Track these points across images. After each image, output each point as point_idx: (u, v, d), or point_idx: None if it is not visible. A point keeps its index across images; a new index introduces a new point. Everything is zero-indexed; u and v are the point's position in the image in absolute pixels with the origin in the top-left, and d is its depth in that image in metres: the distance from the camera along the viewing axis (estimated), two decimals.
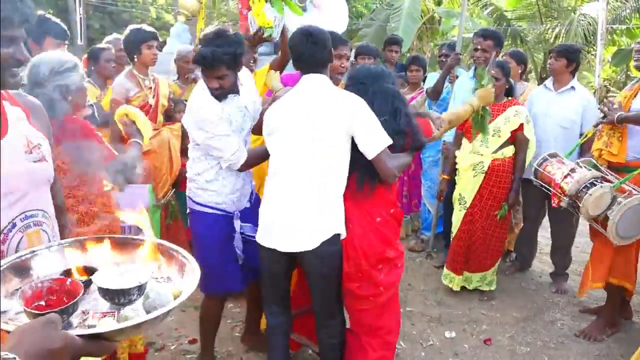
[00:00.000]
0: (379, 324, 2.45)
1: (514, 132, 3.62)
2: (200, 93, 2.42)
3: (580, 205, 3.02)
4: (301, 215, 2.25)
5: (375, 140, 2.21)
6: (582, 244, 4.64)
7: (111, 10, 23.73)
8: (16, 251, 1.27)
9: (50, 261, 1.10)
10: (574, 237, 4.07)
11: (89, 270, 1.05)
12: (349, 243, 2.33)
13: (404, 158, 2.37)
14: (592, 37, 10.76)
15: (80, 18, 12.84)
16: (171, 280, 1.09)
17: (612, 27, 10.66)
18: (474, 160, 3.68)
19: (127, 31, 3.46)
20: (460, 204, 3.77)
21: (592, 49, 11.41)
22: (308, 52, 2.26)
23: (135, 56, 3.37)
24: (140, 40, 3.36)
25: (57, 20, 3.17)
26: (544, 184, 3.36)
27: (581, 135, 3.70)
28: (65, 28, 3.15)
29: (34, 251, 1.09)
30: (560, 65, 3.90)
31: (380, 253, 2.34)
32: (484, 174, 3.64)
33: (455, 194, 3.83)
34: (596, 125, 3.30)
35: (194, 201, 2.54)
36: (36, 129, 1.44)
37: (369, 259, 2.32)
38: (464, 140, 3.83)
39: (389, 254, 2.36)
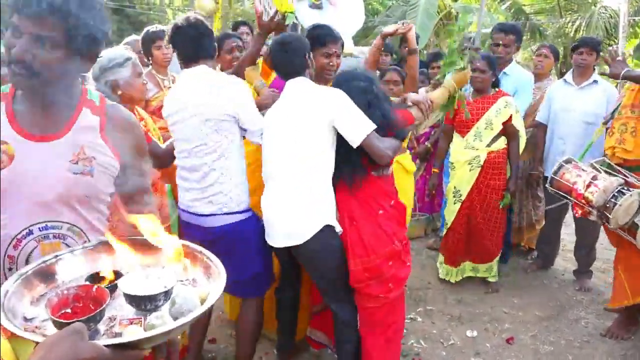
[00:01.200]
0: (387, 321, 2.47)
1: (504, 124, 3.60)
2: (216, 74, 2.44)
3: (610, 216, 2.84)
4: (291, 213, 2.32)
5: (358, 127, 2.25)
6: (606, 241, 4.52)
7: (128, 12, 23.99)
8: (27, 261, 1.25)
9: (74, 265, 1.09)
10: (599, 234, 3.98)
11: (116, 274, 1.04)
12: (357, 240, 2.35)
13: (393, 141, 2.36)
14: (613, 30, 10.56)
15: None
16: (197, 282, 1.07)
17: (634, 20, 10.43)
18: (470, 156, 3.66)
19: (145, 30, 3.51)
20: (454, 197, 3.75)
21: (613, 42, 11.19)
22: (283, 60, 2.37)
23: (149, 57, 3.42)
24: (149, 41, 3.40)
25: None
26: (562, 193, 3.12)
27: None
28: None
29: (57, 255, 1.09)
30: (592, 60, 3.81)
31: (388, 245, 2.37)
32: (480, 168, 3.63)
33: (450, 187, 3.80)
34: (605, 122, 3.18)
35: (232, 213, 2.39)
36: (105, 142, 1.36)
37: (378, 253, 2.34)
38: (456, 135, 3.80)
39: (396, 246, 2.39)
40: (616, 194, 2.84)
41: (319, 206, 2.33)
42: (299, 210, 2.31)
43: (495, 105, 3.62)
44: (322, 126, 2.27)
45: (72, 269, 1.08)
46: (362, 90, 2.36)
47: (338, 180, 2.38)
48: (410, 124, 2.56)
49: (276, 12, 2.63)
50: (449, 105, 2.95)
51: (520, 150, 3.73)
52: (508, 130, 3.64)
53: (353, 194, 2.38)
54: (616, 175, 2.93)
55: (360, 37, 10.25)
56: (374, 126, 2.26)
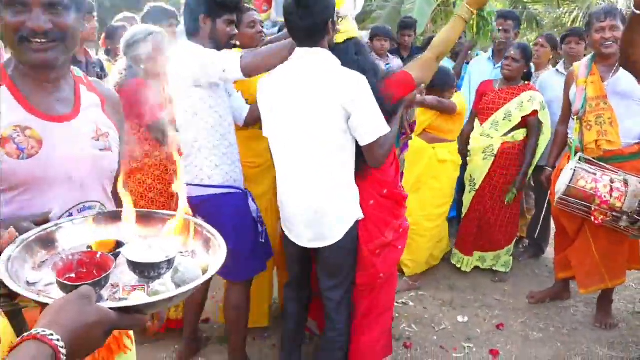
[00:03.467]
0: (373, 304, 2.41)
1: (525, 118, 3.58)
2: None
3: None
4: (318, 211, 2.14)
5: (372, 127, 2.04)
6: None
7: None
8: None
9: (75, 234, 1.09)
10: None
11: (117, 244, 1.05)
12: None
13: (389, 137, 2.12)
14: None
15: None
16: (196, 255, 1.09)
17: (629, 11, 10.44)
18: (484, 144, 3.68)
19: (146, 9, 3.45)
20: (470, 185, 3.79)
21: None
22: (296, 21, 2.01)
23: None
24: (161, 16, 3.34)
25: None
26: (580, 201, 2.90)
27: None
28: (89, 0, 3.13)
29: (58, 224, 1.09)
30: (582, 49, 3.85)
31: (378, 237, 2.27)
32: (493, 157, 3.65)
33: (466, 175, 3.83)
34: (577, 114, 3.03)
35: (211, 186, 2.33)
36: (107, 117, 1.38)
37: (368, 244, 2.26)
38: (477, 123, 3.81)
39: (387, 237, 2.28)
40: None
41: (347, 201, 2.17)
42: (329, 209, 2.14)
43: (519, 98, 3.61)
44: (339, 115, 2.02)
45: (73, 238, 1.09)
46: (352, 65, 2.12)
47: None
48: (410, 90, 2.26)
49: None
50: (484, 30, 2.50)
51: (542, 149, 3.68)
52: (530, 123, 3.61)
53: None
54: (616, 172, 2.88)
55: (358, 22, 10.15)
56: (387, 130, 2.07)
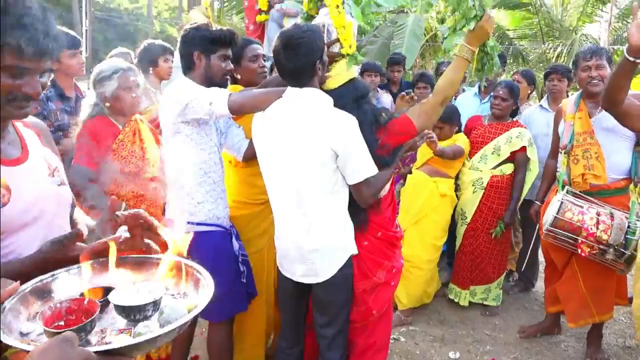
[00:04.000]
0: (369, 342, 2.37)
1: (513, 153, 3.65)
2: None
3: (628, 253, 2.78)
4: (310, 248, 2.12)
5: (358, 168, 2.04)
6: None
7: (116, 22, 23.95)
8: None
9: (70, 283, 1.09)
10: None
11: (107, 290, 1.05)
12: None
13: (380, 179, 2.12)
14: None
15: (86, 30, 12.92)
16: (187, 296, 1.09)
17: (613, 48, 10.73)
18: (474, 177, 3.73)
19: (144, 45, 3.57)
20: (461, 219, 3.82)
21: None
22: (284, 62, 2.03)
23: (151, 68, 3.45)
24: (158, 53, 3.48)
25: (65, 30, 3.18)
26: (568, 233, 2.92)
27: None
28: (75, 35, 3.17)
29: (54, 274, 1.09)
30: (564, 86, 3.95)
31: (369, 278, 2.25)
32: (483, 190, 3.69)
33: (458, 210, 3.85)
34: (564, 148, 3.11)
35: (192, 223, 2.28)
36: (50, 151, 1.38)
37: (359, 283, 2.24)
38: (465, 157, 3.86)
39: (379, 277, 2.26)
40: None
41: (340, 238, 2.15)
42: (321, 246, 2.11)
43: (508, 134, 3.69)
44: (328, 155, 2.02)
45: (68, 287, 1.09)
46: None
47: None
48: (411, 137, 2.22)
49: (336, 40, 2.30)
50: (487, 65, 2.35)
51: (529, 185, 3.75)
52: (517, 158, 3.70)
53: None
54: (602, 206, 2.92)
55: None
56: (374, 172, 2.06)
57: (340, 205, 2.15)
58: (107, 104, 2.57)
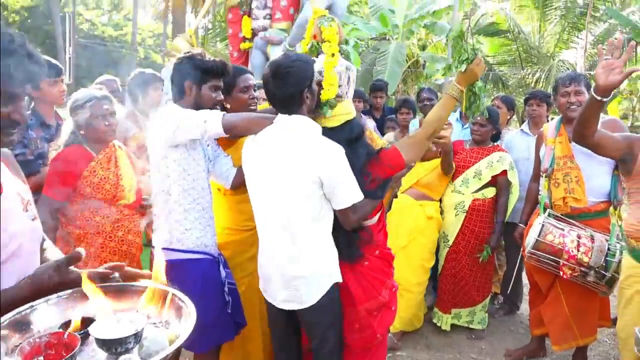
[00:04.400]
0: None
1: (495, 177, 3.71)
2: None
3: (608, 274, 2.82)
4: (294, 275, 2.11)
5: (345, 195, 2.06)
6: None
7: (99, 50, 23.99)
8: None
9: (49, 314, 1.07)
10: None
11: (88, 321, 1.03)
12: (345, 290, 2.23)
13: (367, 205, 2.15)
14: None
15: (70, 58, 12.91)
16: (169, 324, 1.08)
17: (590, 74, 11.03)
18: (456, 200, 3.76)
19: (134, 73, 3.64)
20: (443, 242, 3.83)
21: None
22: (273, 90, 2.07)
23: (140, 96, 3.49)
24: (147, 81, 3.53)
25: (47, 58, 3.18)
26: (549, 255, 2.96)
27: None
28: (57, 63, 3.16)
29: (32, 306, 1.07)
30: (543, 111, 4.05)
31: (375, 297, 2.26)
32: (465, 213, 3.71)
33: (440, 232, 3.87)
34: (545, 171, 3.18)
35: (177, 250, 2.28)
36: (21, 182, 1.36)
37: (364, 304, 2.23)
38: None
39: (384, 296, 2.27)
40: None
41: (324, 266, 2.14)
42: (305, 273, 2.10)
43: (489, 158, 3.74)
44: (314, 182, 2.04)
45: (47, 318, 1.06)
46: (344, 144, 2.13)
47: None
48: (400, 170, 2.26)
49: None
50: (475, 105, 2.37)
51: (511, 208, 3.79)
52: (499, 182, 3.74)
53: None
54: (583, 229, 2.97)
55: None
56: (360, 198, 2.08)
57: (326, 231, 2.15)
58: (82, 132, 2.64)
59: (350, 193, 2.07)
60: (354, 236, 2.20)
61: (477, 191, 3.75)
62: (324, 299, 2.14)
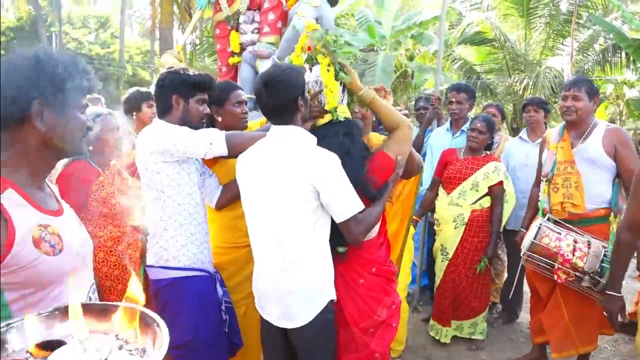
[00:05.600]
0: None
1: (491, 187, 3.68)
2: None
3: (602, 281, 2.77)
4: (287, 290, 2.05)
5: (345, 205, 2.01)
6: None
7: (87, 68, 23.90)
8: None
9: (27, 333, 1.03)
10: None
11: (55, 345, 0.98)
12: (338, 310, 2.17)
13: (371, 216, 2.10)
14: (558, 89, 11.19)
15: None
16: (145, 353, 1.01)
17: None
18: (454, 212, 3.71)
19: (129, 91, 3.73)
20: (442, 254, 3.78)
21: (558, 100, 11.80)
22: (266, 100, 2.05)
23: (134, 113, 3.57)
24: (141, 98, 3.59)
25: None
26: (544, 258, 2.95)
27: None
28: None
29: (9, 324, 1.02)
30: (541, 117, 4.05)
31: (370, 317, 2.18)
32: (464, 225, 3.67)
33: (437, 245, 3.83)
34: (545, 176, 3.19)
35: (176, 268, 2.23)
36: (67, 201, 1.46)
37: (358, 324, 2.17)
38: (442, 191, 3.86)
39: (380, 315, 2.19)
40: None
41: (318, 282, 2.06)
42: (298, 289, 2.04)
43: (485, 168, 3.71)
44: (309, 194, 1.99)
45: (24, 337, 1.03)
46: (338, 146, 2.13)
47: None
48: (393, 170, 2.22)
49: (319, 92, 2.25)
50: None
51: (507, 215, 3.76)
52: (493, 192, 3.70)
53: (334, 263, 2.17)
54: (581, 234, 2.94)
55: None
56: (360, 208, 2.03)
57: (320, 246, 2.09)
58: (90, 148, 2.69)
59: (349, 203, 2.02)
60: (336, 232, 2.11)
61: (474, 202, 3.71)
62: (318, 319, 2.06)
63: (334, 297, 2.12)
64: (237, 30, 4.38)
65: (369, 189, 2.15)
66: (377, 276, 2.23)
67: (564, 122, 3.26)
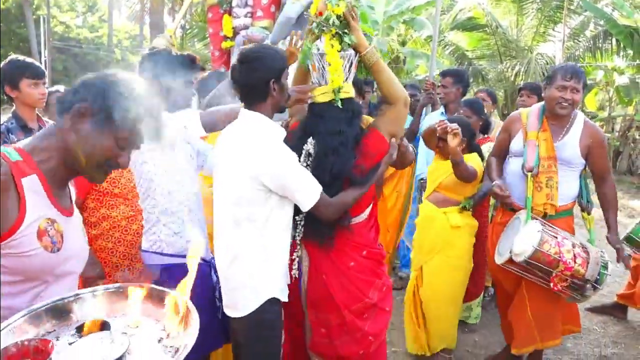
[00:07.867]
0: None
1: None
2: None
3: (600, 288, 2.70)
4: (232, 280, 2.01)
5: (303, 197, 1.95)
6: None
7: (75, 52, 23.58)
8: None
9: (91, 306, 1.14)
10: None
11: (104, 324, 1.07)
12: (327, 296, 2.16)
13: (346, 198, 2.06)
14: None
15: (45, 61, 12.67)
16: (177, 354, 1.06)
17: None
18: None
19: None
20: None
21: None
22: (238, 77, 1.97)
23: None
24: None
25: (30, 60, 3.07)
26: (543, 266, 2.71)
27: None
28: (39, 65, 3.05)
29: (77, 294, 1.13)
30: (533, 102, 4.04)
31: (361, 299, 2.17)
32: None
33: None
34: (530, 170, 2.90)
35: (170, 254, 2.23)
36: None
37: (349, 307, 2.16)
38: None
39: (371, 297, 2.18)
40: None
41: (260, 275, 1.98)
42: (241, 277, 1.98)
43: (483, 149, 3.58)
44: (258, 188, 1.92)
45: (90, 310, 1.14)
46: (335, 133, 2.09)
47: (306, 236, 2.17)
48: (385, 153, 2.18)
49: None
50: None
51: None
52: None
53: (322, 249, 2.17)
54: (568, 237, 2.83)
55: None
56: (319, 190, 1.97)
57: (270, 239, 1.99)
58: None
59: (306, 194, 1.96)
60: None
61: None
62: (258, 315, 1.99)
63: (276, 296, 2.03)
64: (229, 14, 4.34)
65: (356, 179, 2.10)
66: (367, 259, 2.23)
67: (542, 105, 3.00)
